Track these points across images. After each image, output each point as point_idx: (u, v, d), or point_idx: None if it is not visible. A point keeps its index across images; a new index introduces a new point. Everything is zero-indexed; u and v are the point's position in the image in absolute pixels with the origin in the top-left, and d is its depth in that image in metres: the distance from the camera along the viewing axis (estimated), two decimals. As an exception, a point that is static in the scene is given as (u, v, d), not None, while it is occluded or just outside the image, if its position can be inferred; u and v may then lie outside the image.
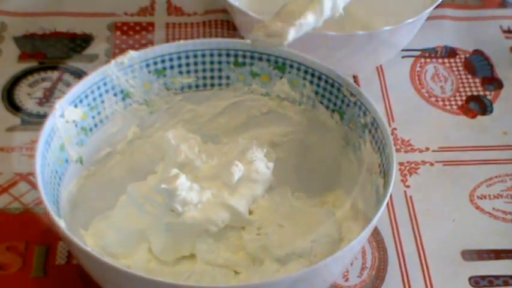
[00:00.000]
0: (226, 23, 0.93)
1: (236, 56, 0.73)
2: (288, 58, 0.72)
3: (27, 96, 0.84)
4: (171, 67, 0.72)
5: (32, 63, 0.87)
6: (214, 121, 0.76)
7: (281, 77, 0.73)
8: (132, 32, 0.91)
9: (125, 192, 0.68)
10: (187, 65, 0.73)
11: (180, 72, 0.73)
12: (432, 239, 0.74)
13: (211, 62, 0.73)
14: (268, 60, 0.73)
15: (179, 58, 0.72)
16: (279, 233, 0.68)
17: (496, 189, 0.78)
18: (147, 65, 0.71)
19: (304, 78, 0.72)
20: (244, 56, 0.73)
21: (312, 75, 0.72)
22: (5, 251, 0.70)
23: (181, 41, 0.72)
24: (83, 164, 0.69)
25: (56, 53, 0.88)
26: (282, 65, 0.73)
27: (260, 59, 0.73)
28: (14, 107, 0.82)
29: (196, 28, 0.92)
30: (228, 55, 0.73)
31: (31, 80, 0.86)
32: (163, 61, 0.72)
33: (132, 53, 0.70)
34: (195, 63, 0.73)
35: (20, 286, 0.68)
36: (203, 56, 0.73)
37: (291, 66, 0.72)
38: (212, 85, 0.74)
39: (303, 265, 0.66)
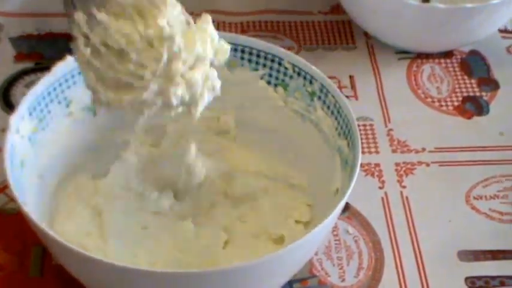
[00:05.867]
0: (228, 24, 0.93)
1: None
2: None
3: (23, 96, 0.83)
4: None
5: (28, 64, 0.87)
6: None
7: None
8: (128, 33, 0.91)
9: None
10: None
11: None
12: (428, 239, 0.74)
13: None
14: None
15: None
16: None
17: (492, 189, 0.78)
18: None
19: (242, 58, 0.73)
20: None
21: (250, 53, 0.73)
22: (1, 252, 0.70)
23: None
24: (43, 180, 0.68)
25: (52, 54, 0.88)
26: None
27: None
28: (10, 107, 0.82)
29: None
30: None
31: (27, 80, 0.85)
32: None
33: (69, 58, 0.68)
34: None
35: (17, 286, 0.68)
36: None
37: None
38: None
39: None
